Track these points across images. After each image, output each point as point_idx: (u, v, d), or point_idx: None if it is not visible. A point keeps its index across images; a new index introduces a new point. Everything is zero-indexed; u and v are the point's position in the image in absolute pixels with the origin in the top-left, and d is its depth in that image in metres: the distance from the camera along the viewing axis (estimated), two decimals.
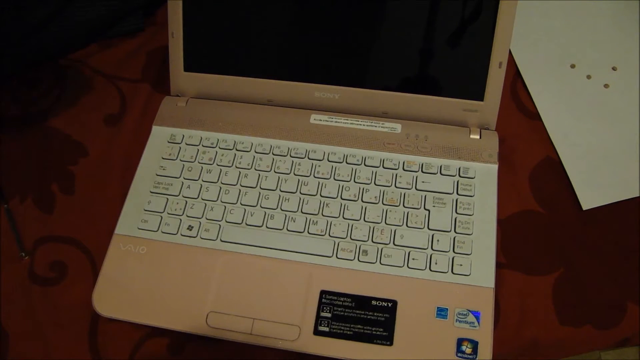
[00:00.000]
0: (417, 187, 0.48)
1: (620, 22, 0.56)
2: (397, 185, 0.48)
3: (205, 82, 0.53)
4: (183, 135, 0.52)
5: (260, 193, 0.48)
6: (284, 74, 0.51)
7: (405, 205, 0.47)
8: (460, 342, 0.42)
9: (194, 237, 0.47)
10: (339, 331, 0.43)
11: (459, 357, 0.41)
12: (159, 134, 0.53)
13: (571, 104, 0.53)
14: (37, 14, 0.56)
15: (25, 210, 0.52)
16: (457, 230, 0.45)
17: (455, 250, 0.45)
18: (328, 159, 0.50)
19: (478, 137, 0.49)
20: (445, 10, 0.47)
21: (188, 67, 0.53)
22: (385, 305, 0.43)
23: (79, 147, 0.55)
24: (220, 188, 0.49)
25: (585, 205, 0.48)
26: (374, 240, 0.46)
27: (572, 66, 0.55)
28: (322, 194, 0.48)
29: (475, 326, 0.42)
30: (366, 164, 0.49)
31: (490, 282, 0.43)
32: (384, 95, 0.50)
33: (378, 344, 0.42)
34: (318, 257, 0.45)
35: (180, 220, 0.48)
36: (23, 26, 0.56)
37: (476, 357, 0.41)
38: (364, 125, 0.51)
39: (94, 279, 0.47)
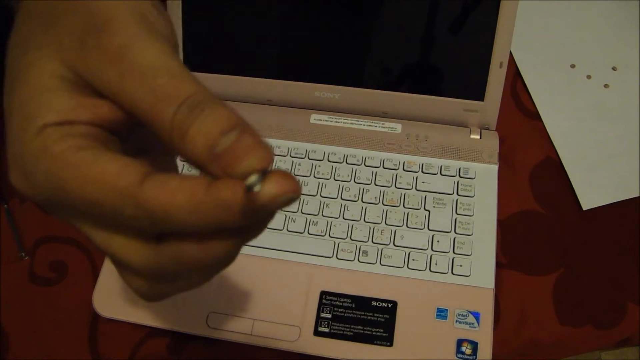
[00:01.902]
0: (417, 188, 0.48)
1: (620, 22, 0.56)
2: (397, 185, 0.48)
3: (205, 82, 0.52)
4: None
5: None
6: (284, 74, 0.51)
7: (406, 205, 0.47)
8: (460, 342, 0.42)
9: None
10: (339, 332, 0.43)
11: (459, 357, 0.41)
12: None
13: (571, 104, 0.53)
14: None
15: (25, 210, 0.52)
16: (457, 231, 0.45)
17: (455, 251, 0.45)
18: (328, 159, 0.50)
19: (478, 137, 0.49)
20: (445, 10, 0.47)
21: (188, 67, 0.53)
22: (385, 306, 0.43)
23: None
24: None
25: (585, 205, 0.48)
26: (374, 240, 0.46)
27: (572, 66, 0.55)
28: (322, 194, 0.48)
29: (475, 327, 0.42)
30: (366, 164, 0.49)
31: (490, 283, 0.43)
32: (384, 95, 0.50)
33: (378, 344, 0.42)
34: (318, 257, 0.45)
35: None
36: None
37: (476, 357, 0.41)
38: (364, 125, 0.51)
39: (94, 279, 0.47)
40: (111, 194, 0.20)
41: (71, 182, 0.20)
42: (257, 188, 0.19)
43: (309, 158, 0.50)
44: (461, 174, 0.48)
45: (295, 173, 0.49)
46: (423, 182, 0.48)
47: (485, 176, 0.48)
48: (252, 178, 0.19)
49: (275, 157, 0.50)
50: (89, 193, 0.20)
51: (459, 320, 0.42)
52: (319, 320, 0.43)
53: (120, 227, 0.21)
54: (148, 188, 0.19)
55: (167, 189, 0.19)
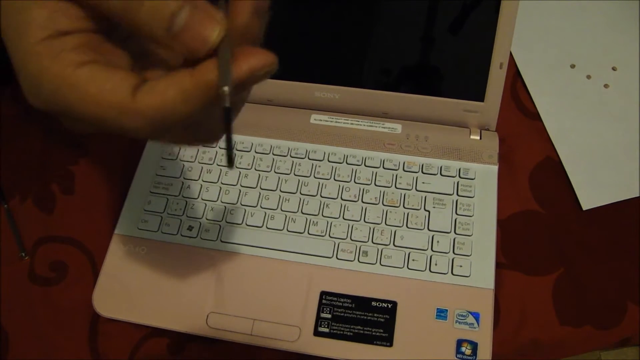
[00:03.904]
0: (417, 188, 0.48)
1: (620, 22, 0.56)
2: (397, 186, 0.48)
3: None
4: None
5: (260, 193, 0.48)
6: (284, 74, 0.51)
7: (406, 206, 0.47)
8: (459, 343, 0.42)
9: (194, 237, 0.47)
10: (339, 332, 0.43)
11: (459, 358, 0.41)
12: None
13: (571, 104, 0.53)
14: None
15: (25, 210, 0.52)
16: (457, 232, 0.45)
17: (455, 252, 0.45)
18: (328, 160, 0.50)
19: (478, 137, 0.49)
20: (445, 11, 0.47)
21: None
22: (385, 306, 0.43)
23: (79, 147, 0.55)
24: (220, 188, 0.49)
25: (585, 205, 0.48)
26: (374, 241, 0.46)
27: (572, 66, 0.55)
28: (322, 195, 0.48)
29: (474, 327, 0.42)
30: (366, 164, 0.49)
31: (490, 284, 0.44)
32: (384, 95, 0.50)
33: (378, 345, 0.42)
34: (318, 257, 0.45)
35: (181, 220, 0.48)
36: None
37: (475, 358, 0.41)
38: (364, 125, 0.51)
39: (94, 279, 0.47)
40: (110, 110, 0.22)
41: (74, 101, 0.22)
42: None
43: (309, 158, 0.50)
44: (461, 175, 0.48)
45: (296, 173, 0.49)
46: (423, 183, 0.48)
47: (485, 177, 0.48)
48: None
49: (276, 157, 0.50)
50: (92, 111, 0.22)
51: (459, 320, 0.42)
52: (319, 321, 0.43)
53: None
54: (141, 98, 0.22)
55: (158, 92, 0.22)
